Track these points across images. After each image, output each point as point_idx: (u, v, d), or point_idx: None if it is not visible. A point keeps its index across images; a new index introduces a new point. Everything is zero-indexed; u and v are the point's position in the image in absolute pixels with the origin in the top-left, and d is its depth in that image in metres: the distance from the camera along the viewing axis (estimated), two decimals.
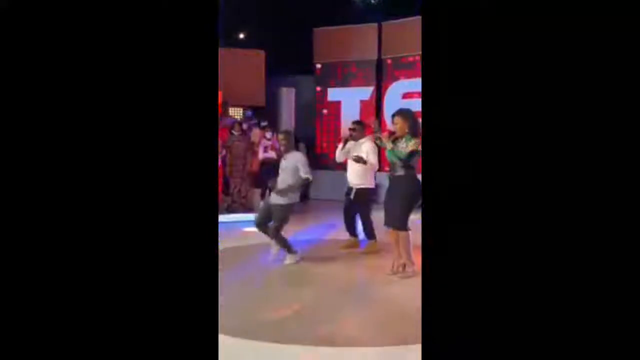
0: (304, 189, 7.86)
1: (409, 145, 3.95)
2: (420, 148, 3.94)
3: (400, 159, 3.98)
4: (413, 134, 3.97)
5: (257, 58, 9.31)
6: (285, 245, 4.72)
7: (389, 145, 4.04)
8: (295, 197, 4.74)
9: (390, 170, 4.18)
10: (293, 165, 4.66)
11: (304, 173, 4.64)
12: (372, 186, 5.15)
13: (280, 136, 4.97)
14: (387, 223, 4.19)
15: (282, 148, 4.86)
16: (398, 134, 4.06)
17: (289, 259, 4.70)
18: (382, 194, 5.14)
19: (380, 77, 9.05)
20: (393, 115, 4.15)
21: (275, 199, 4.66)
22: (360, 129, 5.17)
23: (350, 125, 5.28)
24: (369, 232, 5.16)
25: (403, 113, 4.11)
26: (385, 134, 4.20)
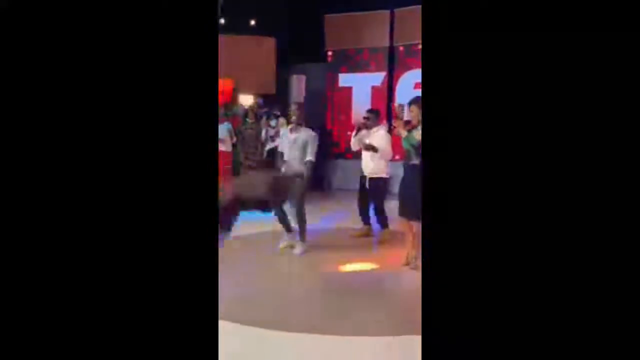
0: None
1: (414, 133, 3.92)
2: None
3: (413, 146, 3.95)
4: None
5: (267, 45, 9.25)
6: (304, 229, 4.62)
7: (403, 133, 4.02)
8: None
9: (405, 159, 4.13)
10: (304, 141, 4.54)
11: (310, 153, 4.52)
12: (387, 176, 5.14)
13: (293, 107, 4.88)
14: (403, 213, 4.15)
15: (293, 118, 4.70)
16: (413, 122, 4.03)
17: (299, 248, 4.63)
18: (395, 184, 5.16)
19: (392, 64, 8.97)
20: (409, 104, 4.12)
21: (292, 169, 4.56)
22: (374, 117, 5.18)
23: (364, 114, 5.30)
24: (383, 222, 5.18)
25: (419, 102, 4.07)
26: (401, 122, 4.15)
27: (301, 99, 9.15)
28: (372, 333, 2.94)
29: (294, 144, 4.59)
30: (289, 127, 4.76)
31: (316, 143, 4.58)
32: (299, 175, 4.56)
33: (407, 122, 4.11)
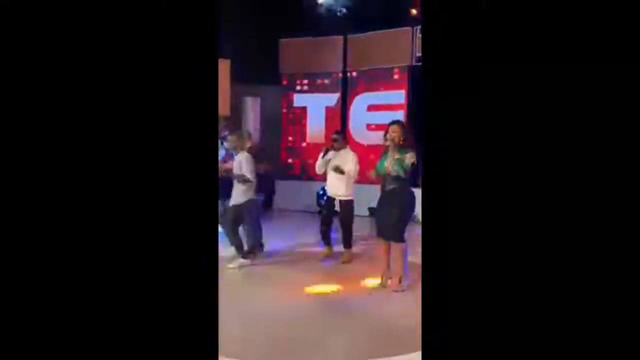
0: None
1: (406, 157, 3.97)
2: (415, 160, 3.97)
3: (405, 170, 3.98)
4: (404, 146, 4.02)
5: (222, 66, 9.21)
6: (240, 246, 4.91)
7: (395, 155, 4.01)
8: (251, 194, 4.93)
9: (383, 182, 4.16)
10: (239, 162, 4.88)
11: (245, 171, 4.80)
12: (353, 197, 5.18)
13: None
14: (381, 234, 4.23)
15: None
16: (395, 142, 4.04)
17: (235, 263, 4.86)
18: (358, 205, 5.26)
19: (346, 88, 9.14)
20: (391, 124, 4.16)
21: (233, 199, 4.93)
22: (341, 139, 5.23)
23: (333, 136, 5.34)
24: (348, 242, 5.23)
25: (400, 122, 4.21)
26: (393, 144, 4.08)
27: (254, 122, 9.16)
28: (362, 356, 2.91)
29: (238, 167, 4.95)
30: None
31: (249, 163, 4.86)
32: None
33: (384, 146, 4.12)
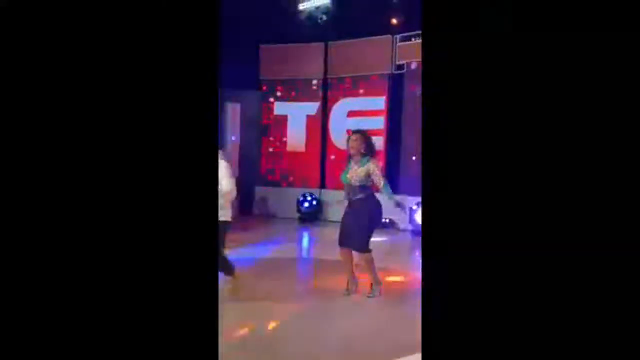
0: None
1: (364, 167, 3.99)
2: (377, 168, 4.00)
3: (363, 178, 3.98)
4: (366, 154, 4.05)
5: None
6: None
7: (356, 164, 4.04)
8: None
9: (347, 193, 4.13)
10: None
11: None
12: (230, 218, 3.99)
13: None
14: (345, 244, 4.18)
15: None
16: (353, 151, 4.07)
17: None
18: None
19: (326, 95, 9.18)
20: (353, 132, 4.19)
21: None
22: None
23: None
24: (227, 269, 4.03)
25: (361, 132, 4.19)
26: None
27: (236, 130, 9.13)
28: None
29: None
30: None
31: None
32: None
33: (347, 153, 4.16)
